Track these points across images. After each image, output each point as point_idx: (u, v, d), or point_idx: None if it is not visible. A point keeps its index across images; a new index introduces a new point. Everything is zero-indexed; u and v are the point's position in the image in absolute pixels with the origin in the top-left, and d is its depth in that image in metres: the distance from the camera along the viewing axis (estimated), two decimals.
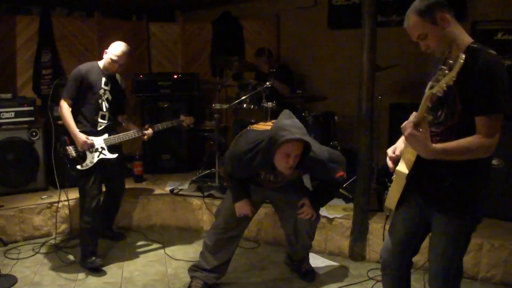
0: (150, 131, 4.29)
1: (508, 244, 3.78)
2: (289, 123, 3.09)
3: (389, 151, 2.55)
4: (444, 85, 1.96)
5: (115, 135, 4.15)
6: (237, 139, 3.49)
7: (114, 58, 4.03)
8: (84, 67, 4.06)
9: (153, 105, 6.00)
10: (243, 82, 5.44)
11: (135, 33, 6.60)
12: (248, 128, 3.57)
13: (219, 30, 6.86)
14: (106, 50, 4.09)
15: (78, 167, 3.95)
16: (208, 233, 3.70)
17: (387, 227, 2.77)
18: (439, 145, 2.16)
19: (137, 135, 4.23)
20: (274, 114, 4.91)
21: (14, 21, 5.68)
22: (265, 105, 4.85)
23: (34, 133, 4.90)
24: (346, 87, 6.00)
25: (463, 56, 1.92)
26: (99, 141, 4.05)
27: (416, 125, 2.11)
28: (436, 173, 2.28)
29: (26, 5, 6.30)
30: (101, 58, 4.13)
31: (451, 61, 1.95)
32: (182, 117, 4.62)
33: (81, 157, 3.98)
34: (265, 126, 3.47)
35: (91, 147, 3.98)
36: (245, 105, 4.93)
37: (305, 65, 6.61)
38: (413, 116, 2.16)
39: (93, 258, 4.01)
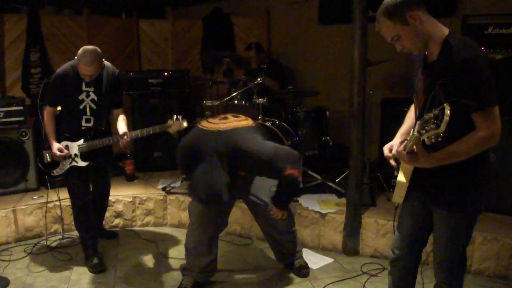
0: (125, 138, 3.95)
1: (501, 237, 3.80)
2: (199, 178, 3.12)
3: (386, 150, 2.55)
4: (433, 137, 1.96)
5: (89, 142, 3.95)
6: (188, 133, 3.47)
7: (83, 72, 3.77)
8: (61, 71, 3.88)
9: (143, 103, 5.96)
10: (234, 78, 5.43)
11: (125, 30, 6.57)
12: (198, 124, 3.44)
13: (209, 26, 6.83)
14: (75, 56, 3.77)
15: (49, 172, 3.99)
16: (187, 235, 3.64)
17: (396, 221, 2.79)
18: (441, 154, 2.17)
19: (112, 142, 4.00)
20: (265, 110, 4.92)
21: (2, 20, 5.64)
22: (256, 101, 4.84)
23: (24, 133, 4.85)
24: (337, 82, 6.00)
25: (448, 112, 1.88)
26: (74, 148, 3.95)
27: (410, 152, 2.16)
28: (433, 169, 2.28)
29: (14, 3, 6.24)
30: None
31: (436, 112, 1.93)
32: (170, 121, 4.01)
33: (56, 163, 3.96)
34: (209, 124, 3.34)
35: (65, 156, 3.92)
36: (236, 101, 4.92)
37: (296, 60, 6.60)
38: (403, 146, 2.23)
39: (95, 260, 4.00)
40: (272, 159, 3.12)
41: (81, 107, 3.92)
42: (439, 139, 1.95)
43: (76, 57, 3.78)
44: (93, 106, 3.97)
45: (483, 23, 4.34)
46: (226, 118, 3.38)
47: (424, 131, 1.97)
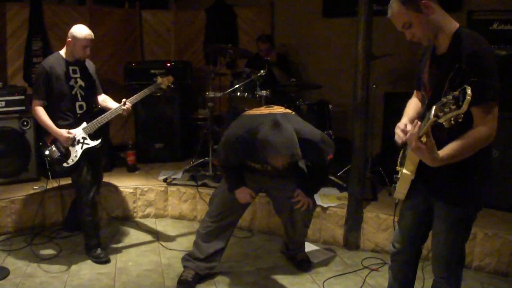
0: (128, 105, 4.05)
1: (502, 233, 3.79)
2: (275, 140, 2.95)
3: (401, 125, 2.47)
4: (452, 119, 1.91)
5: (94, 122, 3.97)
6: (231, 124, 3.50)
7: (85, 43, 3.86)
8: (47, 62, 3.89)
9: None
10: (237, 70, 5.41)
11: (128, 21, 6.55)
12: (243, 113, 3.54)
13: (212, 17, 6.81)
14: (69, 39, 3.88)
15: (65, 164, 3.88)
16: (202, 221, 3.70)
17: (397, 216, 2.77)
18: (444, 153, 2.14)
19: (115, 114, 4.02)
20: (268, 102, 4.89)
21: (4, 9, 5.61)
22: (259, 93, 4.81)
23: (25, 123, 4.83)
24: (341, 75, 5.98)
25: (470, 92, 1.83)
26: (79, 132, 3.93)
27: (420, 137, 2.11)
28: None
29: None
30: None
31: (456, 93, 1.88)
32: (159, 79, 4.32)
33: (65, 154, 3.90)
34: (259, 111, 3.45)
35: (74, 140, 3.89)
36: (239, 93, 4.89)
37: (299, 53, 6.58)
38: (417, 127, 2.13)
39: (98, 251, 4.03)
40: (320, 141, 3.29)
41: (73, 92, 3.93)
42: (459, 120, 1.90)
43: (70, 36, 3.87)
44: (82, 92, 3.99)
45: (488, 19, 4.32)
46: (271, 106, 3.52)
47: (442, 114, 1.92)
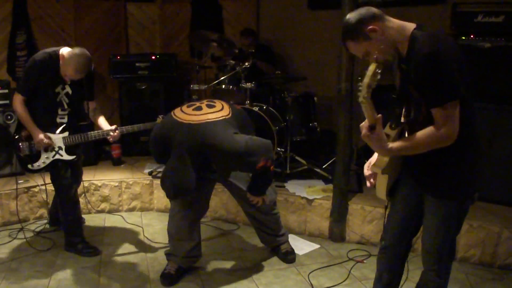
0: (116, 133, 3.92)
1: (487, 225, 3.83)
2: (167, 174, 3.22)
3: (365, 169, 2.57)
4: (362, 97, 2.01)
5: (77, 135, 3.84)
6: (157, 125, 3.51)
7: (70, 75, 3.62)
8: (40, 58, 3.62)
9: (131, 87, 5.92)
10: (222, 63, 5.40)
11: (113, 13, 6.49)
12: (171, 112, 3.38)
13: (198, 10, 6.77)
14: (64, 54, 3.59)
15: (29, 166, 3.79)
16: (168, 221, 3.63)
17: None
18: (395, 144, 2.19)
19: (101, 137, 3.92)
20: (253, 95, 4.89)
21: None
22: (244, 85, 4.82)
23: (9, 116, 4.78)
24: (326, 68, 5.98)
25: (371, 67, 1.97)
26: (57, 140, 3.80)
27: (371, 127, 2.12)
28: (422, 157, 2.27)
29: None
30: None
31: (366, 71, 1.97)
32: (158, 119, 3.97)
33: (35, 155, 3.78)
34: (182, 114, 3.28)
35: (48, 147, 3.75)
36: (224, 86, 4.89)
37: (285, 45, 6.56)
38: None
39: (88, 246, 4.03)
40: (244, 154, 3.08)
41: (57, 99, 3.78)
42: (368, 95, 2.03)
43: (65, 56, 3.58)
44: (66, 99, 3.82)
45: (472, 11, 4.32)
46: (199, 108, 3.31)
47: (359, 93, 2.04)
